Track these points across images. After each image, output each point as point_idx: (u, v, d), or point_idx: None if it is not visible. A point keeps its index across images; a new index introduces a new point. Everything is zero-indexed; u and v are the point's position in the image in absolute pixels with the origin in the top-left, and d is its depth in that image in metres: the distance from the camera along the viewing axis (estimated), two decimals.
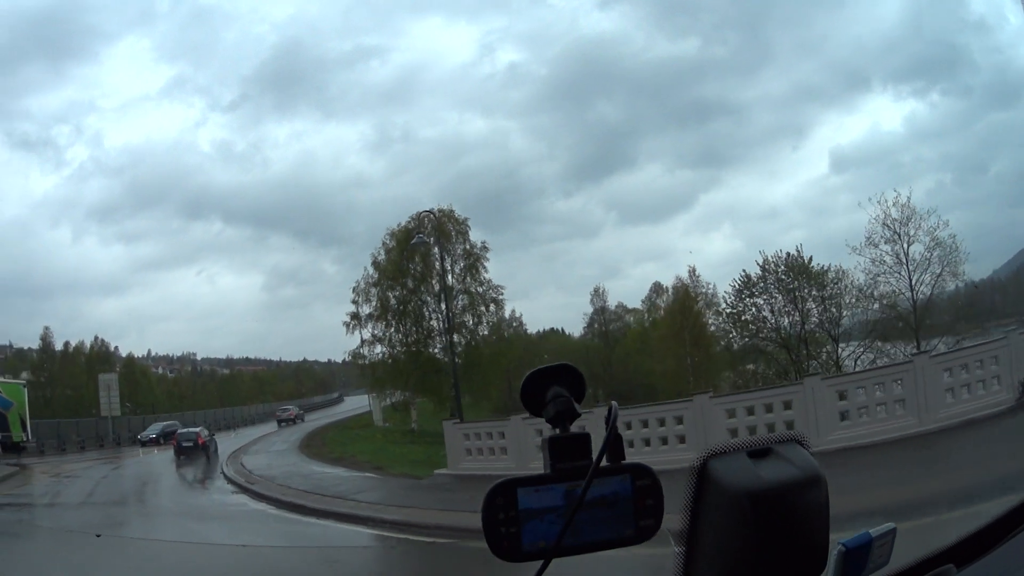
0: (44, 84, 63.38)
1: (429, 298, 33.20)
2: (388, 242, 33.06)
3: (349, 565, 10.86)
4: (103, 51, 65.11)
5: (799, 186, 46.23)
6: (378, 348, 33.49)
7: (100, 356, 47.45)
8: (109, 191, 54.84)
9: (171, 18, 55.04)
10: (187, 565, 11.08)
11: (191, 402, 48.32)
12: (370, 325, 33.23)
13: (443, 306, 32.13)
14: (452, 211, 33.42)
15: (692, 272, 36.48)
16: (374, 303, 33.24)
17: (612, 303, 43.34)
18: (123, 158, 55.76)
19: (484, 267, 33.56)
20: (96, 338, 48.73)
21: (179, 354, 53.99)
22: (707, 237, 52.35)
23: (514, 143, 50.82)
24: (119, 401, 38.02)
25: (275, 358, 56.98)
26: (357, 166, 52.93)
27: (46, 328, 47.00)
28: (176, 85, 62.02)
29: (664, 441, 15.60)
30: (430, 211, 32.27)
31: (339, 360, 48.21)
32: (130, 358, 49.09)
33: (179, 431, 31.11)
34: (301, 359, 57.50)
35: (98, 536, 12.60)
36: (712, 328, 34.14)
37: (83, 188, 54.17)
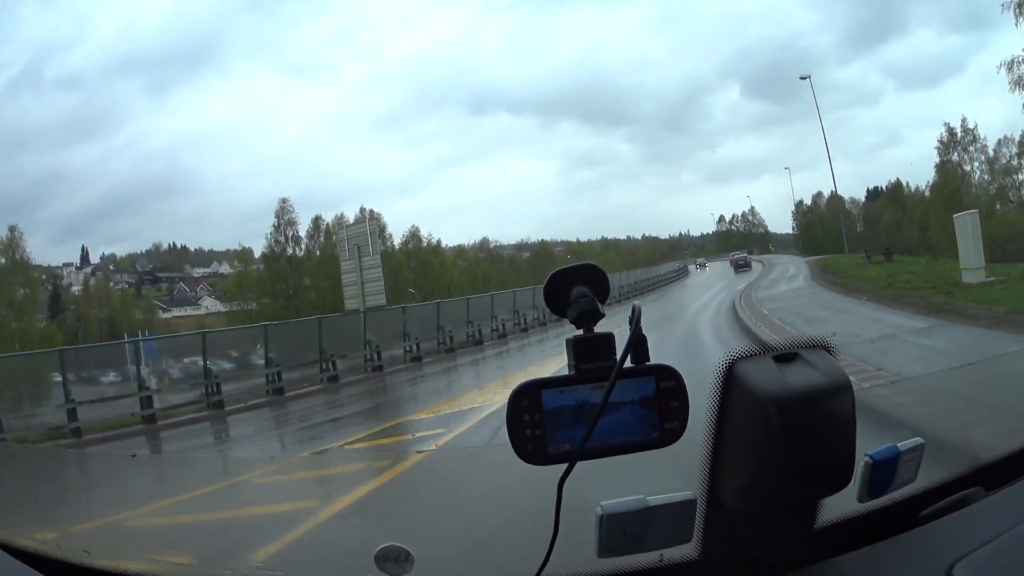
0: (307, 17, 64.86)
1: None
2: None
3: None
4: None
5: None
6: None
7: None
8: (392, 101, 56.91)
9: None
10: None
11: (495, 282, 40.86)
12: None
13: None
14: None
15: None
16: None
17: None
18: (404, 68, 57.31)
19: None
20: (362, 209, 36.22)
21: (472, 242, 50.26)
22: (981, 103, 51.94)
23: (792, 14, 52.45)
24: (382, 281, 21.87)
25: (572, 239, 55.74)
26: (641, 47, 55.01)
27: (283, 201, 33.70)
28: None
29: None
30: None
31: (638, 236, 49.49)
32: (413, 234, 39.88)
33: (733, 255, 41.38)
34: (599, 237, 55.82)
35: None
36: None
37: (364, 101, 55.40)
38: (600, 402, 1.00)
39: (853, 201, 46.89)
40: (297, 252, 34.08)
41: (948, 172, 36.31)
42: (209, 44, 56.71)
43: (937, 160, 37.23)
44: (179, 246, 42.14)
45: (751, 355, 0.99)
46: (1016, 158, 34.63)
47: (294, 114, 57.90)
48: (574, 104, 59.61)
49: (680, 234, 54.78)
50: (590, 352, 1.04)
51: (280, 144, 53.34)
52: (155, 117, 53.20)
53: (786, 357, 0.99)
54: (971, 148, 35.68)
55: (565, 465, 1.02)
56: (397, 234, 39.99)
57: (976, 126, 36.25)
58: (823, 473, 0.98)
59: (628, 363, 1.02)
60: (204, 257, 42.35)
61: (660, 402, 1.03)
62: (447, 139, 57.92)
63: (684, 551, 1.09)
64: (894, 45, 52.87)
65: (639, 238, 50.79)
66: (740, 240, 49.86)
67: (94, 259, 37.29)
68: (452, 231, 73.75)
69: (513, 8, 54.92)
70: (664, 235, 51.72)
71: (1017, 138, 33.78)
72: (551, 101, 54.66)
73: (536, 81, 54.19)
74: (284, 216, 33.53)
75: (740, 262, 41.76)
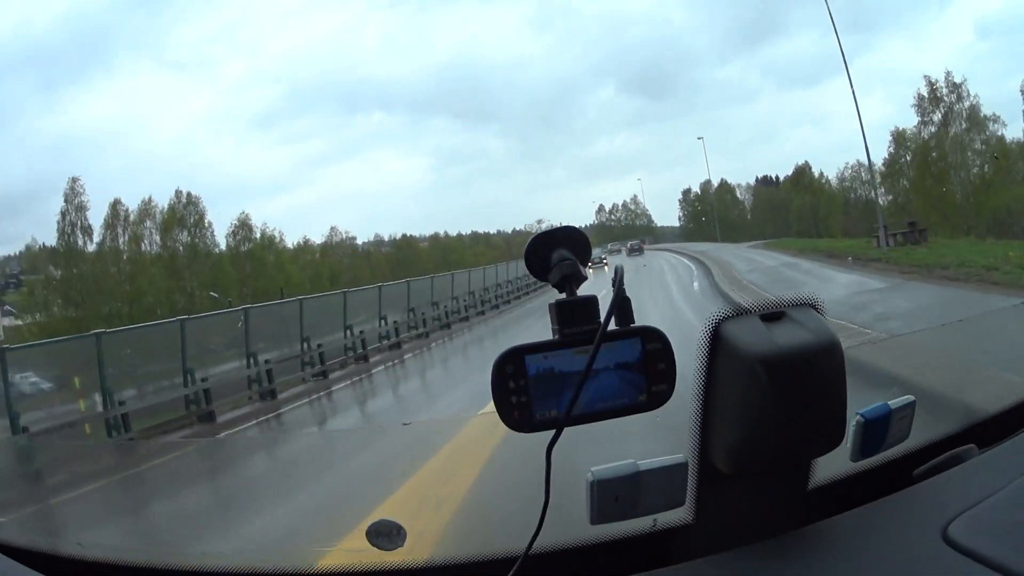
0: (192, 13, 65.94)
1: None
2: None
3: None
4: None
5: (946, 53, 44.92)
6: None
7: (187, 223, 29.63)
8: (268, 98, 58.60)
9: None
10: None
11: (349, 280, 36.10)
12: None
13: None
14: None
15: None
16: None
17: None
18: (282, 66, 58.20)
19: None
20: (179, 192, 30.28)
21: (336, 240, 48.08)
22: (862, 102, 48.93)
23: (673, 14, 53.58)
24: None
25: (441, 232, 55.89)
26: (518, 46, 56.41)
27: (72, 180, 25.87)
28: None
29: None
30: None
31: (509, 230, 51.61)
32: (243, 223, 34.92)
33: (629, 244, 45.85)
34: (470, 232, 57.12)
35: None
36: None
37: (242, 99, 57.06)
38: (585, 366, 0.99)
39: (749, 187, 47.15)
40: (88, 245, 26.34)
41: (938, 136, 33.35)
42: (97, 41, 56.41)
43: (916, 121, 34.41)
44: (47, 246, 34.97)
45: (737, 315, 0.97)
46: (967, 133, 33.10)
47: (174, 112, 57.95)
48: (447, 101, 61.78)
49: (552, 227, 55.64)
50: (573, 316, 1.03)
51: (159, 142, 54.18)
52: (44, 116, 52.10)
53: (773, 316, 0.98)
54: (956, 107, 33.02)
55: (553, 432, 1.01)
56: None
57: (965, 80, 33.56)
58: (814, 433, 0.97)
59: (612, 326, 1.01)
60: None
61: (646, 365, 1.02)
62: (320, 137, 59.13)
63: (677, 515, 1.09)
64: (774, 46, 56.10)
65: (509, 232, 52.52)
66: (621, 232, 51.12)
67: None
68: (322, 230, 74.21)
69: (394, 7, 55.19)
70: (536, 229, 52.09)
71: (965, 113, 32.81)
72: (424, 98, 54.83)
73: (411, 78, 55.75)
74: (73, 200, 25.55)
75: (634, 247, 47.50)
